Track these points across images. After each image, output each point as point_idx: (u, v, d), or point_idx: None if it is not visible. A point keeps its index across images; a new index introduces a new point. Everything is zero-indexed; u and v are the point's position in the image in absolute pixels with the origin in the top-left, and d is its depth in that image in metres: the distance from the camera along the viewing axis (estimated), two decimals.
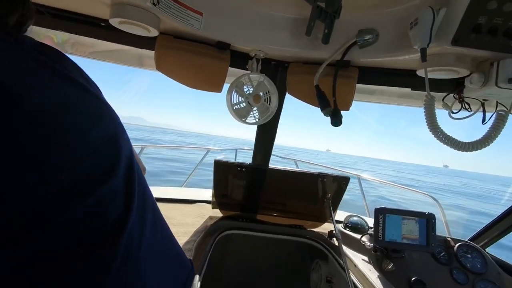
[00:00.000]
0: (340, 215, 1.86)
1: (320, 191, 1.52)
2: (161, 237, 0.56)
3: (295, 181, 1.52)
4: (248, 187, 1.54)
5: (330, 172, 1.51)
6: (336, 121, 0.93)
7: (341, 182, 1.48)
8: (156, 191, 1.97)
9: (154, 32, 0.87)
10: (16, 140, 0.35)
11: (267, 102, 1.10)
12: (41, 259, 0.36)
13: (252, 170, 1.49)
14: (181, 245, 1.32)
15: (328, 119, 0.95)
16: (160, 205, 0.57)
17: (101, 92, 0.55)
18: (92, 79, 0.55)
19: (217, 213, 1.63)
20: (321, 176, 1.46)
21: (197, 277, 1.03)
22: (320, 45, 0.96)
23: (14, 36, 0.43)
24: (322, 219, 1.62)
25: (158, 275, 0.50)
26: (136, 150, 3.44)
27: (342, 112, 1.00)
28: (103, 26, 0.93)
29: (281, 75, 1.18)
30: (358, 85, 1.09)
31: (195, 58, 1.01)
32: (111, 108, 0.55)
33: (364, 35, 0.91)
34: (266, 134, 1.43)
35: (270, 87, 1.09)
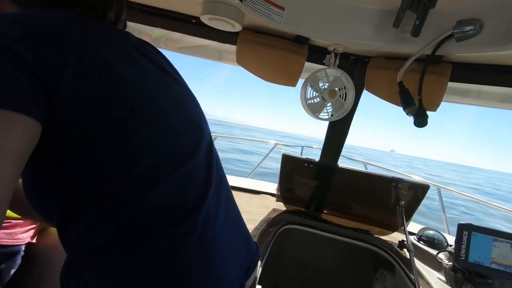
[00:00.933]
0: (412, 226, 1.70)
1: (392, 197, 1.41)
2: (233, 218, 0.60)
3: (365, 184, 1.44)
4: (314, 184, 1.52)
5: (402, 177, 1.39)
6: (421, 121, 0.85)
7: (418, 190, 1.35)
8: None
9: (238, 27, 0.92)
10: (121, 115, 0.42)
11: (342, 98, 1.07)
12: (134, 228, 0.41)
13: (320, 167, 1.47)
14: None
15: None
16: None
17: (185, 82, 0.62)
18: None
19: (281, 206, 1.66)
20: (395, 181, 1.35)
21: (259, 262, 1.07)
22: (407, 38, 0.88)
23: (115, 29, 0.51)
24: (392, 228, 1.51)
25: (228, 252, 0.53)
26: None
27: None
28: (194, 22, 1.02)
29: (359, 70, 1.13)
30: (449, 84, 0.98)
31: (273, 52, 1.04)
32: (194, 95, 0.61)
33: (463, 26, 0.80)
34: (338, 131, 1.39)
35: (347, 83, 1.05)
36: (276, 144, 3.88)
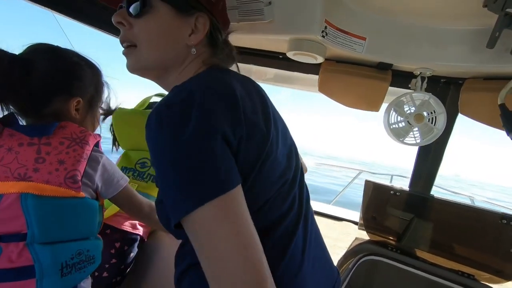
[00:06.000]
0: None
1: (503, 237, 1.20)
2: (318, 241, 0.62)
3: (467, 219, 1.27)
4: (403, 214, 1.41)
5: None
6: None
7: None
8: None
9: (320, 59, 1.01)
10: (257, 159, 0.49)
11: (432, 122, 1.02)
12: None
13: (408, 197, 1.37)
14: None
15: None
16: None
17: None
18: None
19: (364, 235, 1.58)
20: (507, 218, 1.15)
21: None
22: (509, 56, 0.81)
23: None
24: (505, 276, 1.25)
25: (314, 275, 0.56)
26: None
27: None
28: (280, 58, 1.16)
29: (452, 93, 1.06)
30: None
31: (355, 79, 1.08)
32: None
33: None
34: (430, 157, 1.29)
35: (437, 107, 1.00)
36: (360, 171, 3.69)
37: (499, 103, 0.84)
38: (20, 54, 0.67)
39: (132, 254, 1.00)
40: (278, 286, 0.47)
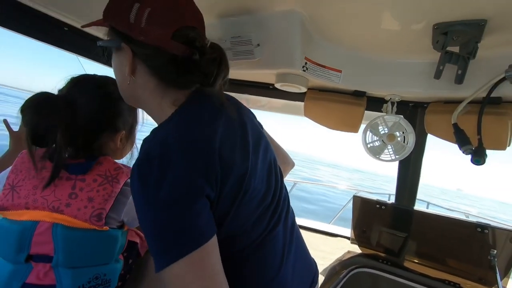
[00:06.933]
0: None
1: (482, 245, 1.29)
2: (297, 242, 0.71)
3: (447, 229, 1.37)
4: (389, 227, 1.51)
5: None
6: (478, 159, 0.88)
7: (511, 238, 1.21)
8: (304, 222, 2.21)
9: (303, 89, 1.17)
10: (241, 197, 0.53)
11: (404, 141, 1.16)
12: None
13: (393, 210, 1.48)
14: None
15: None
16: (304, 233, 0.74)
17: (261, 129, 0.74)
18: None
19: (357, 249, 1.67)
20: (482, 227, 1.25)
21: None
22: (455, 85, 0.96)
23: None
24: (488, 283, 1.33)
25: (294, 273, 0.65)
26: (289, 184, 3.89)
27: None
28: (270, 88, 1.33)
29: (420, 115, 1.21)
30: None
31: (335, 105, 1.24)
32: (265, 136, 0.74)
33: None
34: (409, 172, 1.42)
35: (407, 127, 1.14)
36: (358, 191, 3.77)
37: (452, 123, 0.98)
38: (63, 92, 0.74)
39: (131, 261, 1.06)
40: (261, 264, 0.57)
